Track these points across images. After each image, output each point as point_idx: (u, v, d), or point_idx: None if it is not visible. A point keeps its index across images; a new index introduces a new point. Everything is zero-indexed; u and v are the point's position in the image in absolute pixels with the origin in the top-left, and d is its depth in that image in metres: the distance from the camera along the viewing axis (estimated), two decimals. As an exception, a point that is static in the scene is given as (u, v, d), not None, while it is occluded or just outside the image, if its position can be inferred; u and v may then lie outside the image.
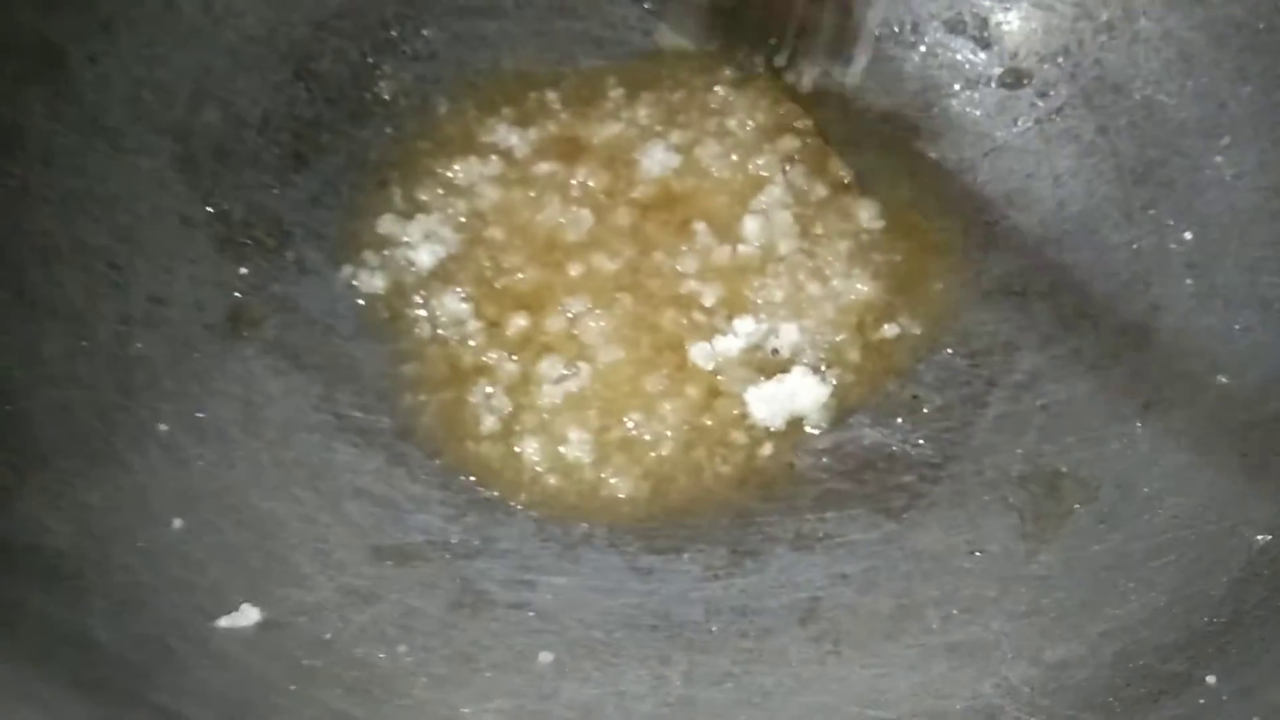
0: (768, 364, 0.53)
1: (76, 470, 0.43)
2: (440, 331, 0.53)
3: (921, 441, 0.52)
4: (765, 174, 0.57)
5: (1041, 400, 0.52)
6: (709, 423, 0.51)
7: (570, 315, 0.53)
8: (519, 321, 0.53)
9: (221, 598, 0.41)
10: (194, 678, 0.37)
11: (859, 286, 0.55)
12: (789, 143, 0.58)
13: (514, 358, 0.52)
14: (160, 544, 0.42)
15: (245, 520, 0.45)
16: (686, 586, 0.48)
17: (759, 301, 0.54)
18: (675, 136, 0.58)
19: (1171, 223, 0.55)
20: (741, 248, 0.55)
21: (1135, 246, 0.55)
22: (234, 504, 0.46)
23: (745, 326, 0.53)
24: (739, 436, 0.51)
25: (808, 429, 0.52)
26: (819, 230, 0.56)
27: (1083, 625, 0.42)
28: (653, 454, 0.51)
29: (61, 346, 0.47)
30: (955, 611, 0.45)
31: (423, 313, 0.54)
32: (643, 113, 0.59)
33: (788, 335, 0.53)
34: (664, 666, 0.44)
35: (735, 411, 0.52)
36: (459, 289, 0.54)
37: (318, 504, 0.47)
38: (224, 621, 0.41)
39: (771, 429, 0.51)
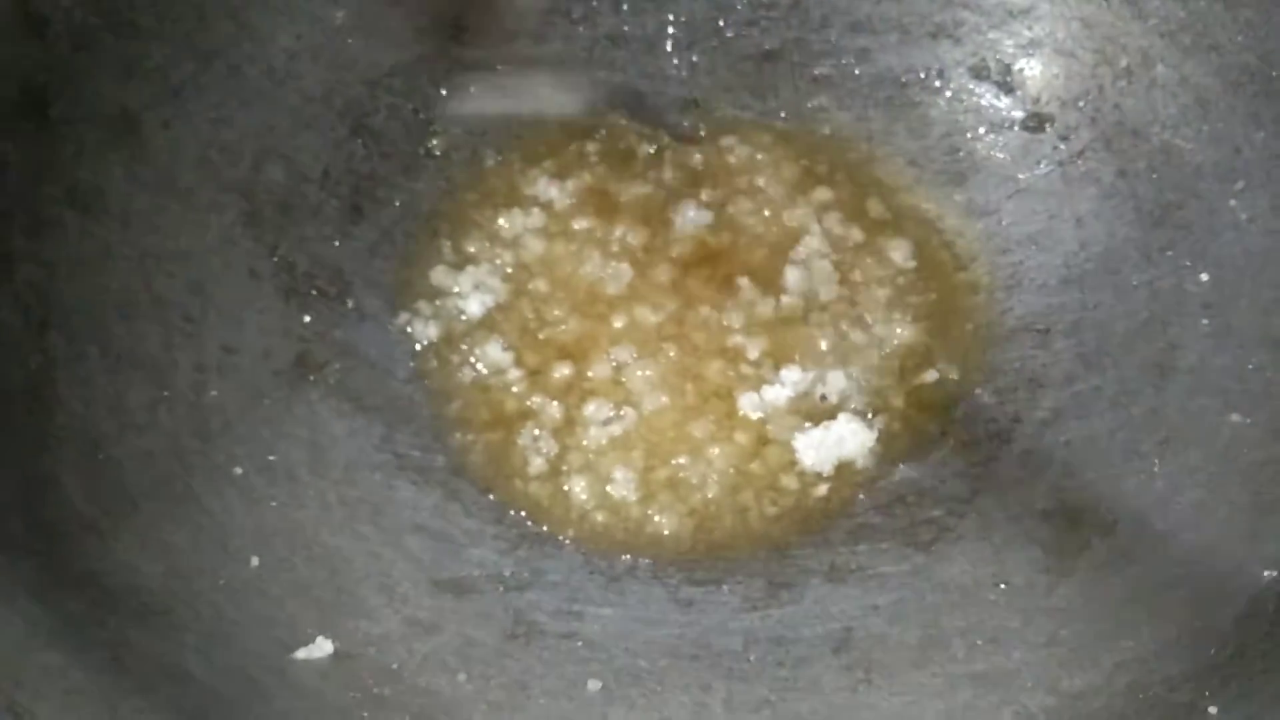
0: (816, 411, 0.55)
1: (162, 513, 0.46)
2: (485, 377, 0.56)
3: (950, 476, 0.54)
4: (798, 225, 0.60)
5: (1064, 437, 0.54)
6: (757, 469, 0.54)
7: (615, 364, 0.56)
8: (562, 369, 0.56)
9: (297, 630, 0.44)
10: (277, 707, 0.40)
11: (899, 330, 0.58)
12: (822, 194, 0.61)
13: (557, 402, 0.55)
14: (240, 580, 0.46)
15: (315, 556, 0.48)
16: (725, 617, 0.50)
17: (804, 351, 0.56)
18: (705, 195, 0.61)
19: (1189, 264, 0.57)
20: (785, 299, 0.58)
21: (1154, 286, 0.57)
22: (305, 541, 0.49)
23: (792, 376, 0.55)
24: (790, 482, 0.54)
25: (856, 471, 0.54)
26: (857, 277, 0.59)
27: (1099, 656, 0.44)
28: (699, 495, 0.53)
29: (144, 396, 0.50)
30: (980, 642, 0.47)
31: (470, 359, 0.57)
32: (669, 174, 0.62)
33: (835, 382, 0.55)
34: (705, 694, 0.46)
35: (785, 458, 0.54)
36: (503, 338, 0.57)
37: (381, 540, 0.50)
38: (300, 654, 0.44)
39: (822, 474, 0.54)
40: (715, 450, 0.54)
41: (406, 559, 0.50)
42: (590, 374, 0.56)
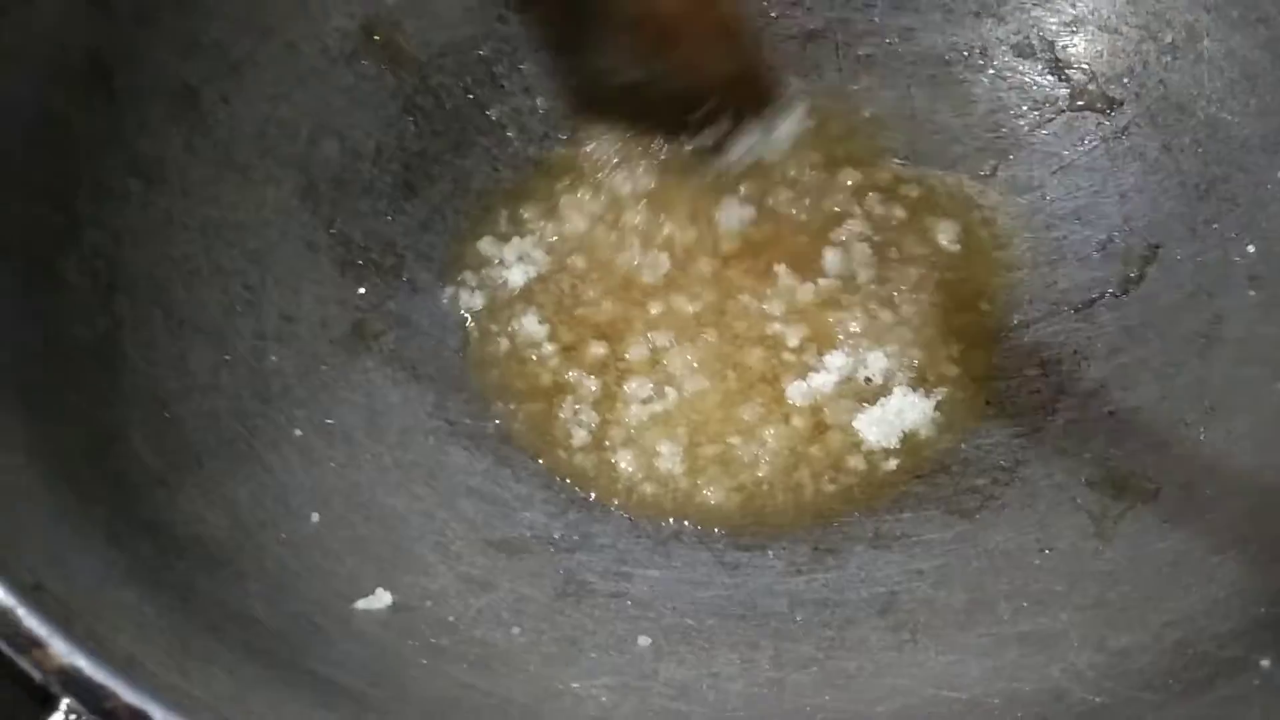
0: (865, 392, 0.56)
1: (226, 470, 0.48)
2: (520, 349, 0.57)
3: (994, 447, 0.55)
4: (841, 210, 0.61)
5: (1109, 407, 0.55)
6: (817, 452, 0.54)
7: (653, 347, 0.56)
8: (597, 350, 0.57)
9: (357, 583, 0.45)
10: (341, 650, 0.42)
11: (928, 307, 0.58)
12: (855, 176, 0.61)
13: (595, 378, 0.56)
14: (301, 535, 0.47)
15: (373, 515, 0.50)
16: (771, 580, 0.51)
17: (843, 334, 0.57)
18: (743, 189, 0.61)
19: (1234, 236, 0.57)
20: (822, 282, 0.58)
21: (1199, 259, 0.57)
22: (363, 501, 0.50)
23: (835, 361, 0.56)
24: (856, 462, 0.54)
25: (922, 441, 0.55)
26: (894, 255, 0.59)
27: (1146, 616, 0.45)
28: (749, 472, 0.54)
29: (206, 359, 0.52)
30: (1025, 604, 0.48)
31: (508, 329, 0.58)
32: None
33: (875, 363, 0.56)
34: (753, 651, 0.47)
35: (849, 440, 0.54)
36: (539, 311, 0.58)
37: (435, 501, 0.52)
38: (361, 604, 0.45)
39: (889, 449, 0.54)
40: (770, 431, 0.55)
41: (459, 520, 0.51)
42: (627, 354, 0.57)
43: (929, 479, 0.54)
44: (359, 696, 0.39)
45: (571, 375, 0.56)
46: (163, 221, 0.54)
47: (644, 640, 0.47)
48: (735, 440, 0.54)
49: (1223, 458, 0.51)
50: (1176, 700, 0.40)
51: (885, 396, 0.55)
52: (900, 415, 0.55)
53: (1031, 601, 0.48)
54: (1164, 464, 0.52)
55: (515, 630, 0.46)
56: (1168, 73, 0.61)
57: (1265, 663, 0.39)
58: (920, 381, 0.56)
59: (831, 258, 0.59)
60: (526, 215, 0.61)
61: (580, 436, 0.55)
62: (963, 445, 0.55)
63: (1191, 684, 0.40)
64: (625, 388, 0.56)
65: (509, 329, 0.58)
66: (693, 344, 0.56)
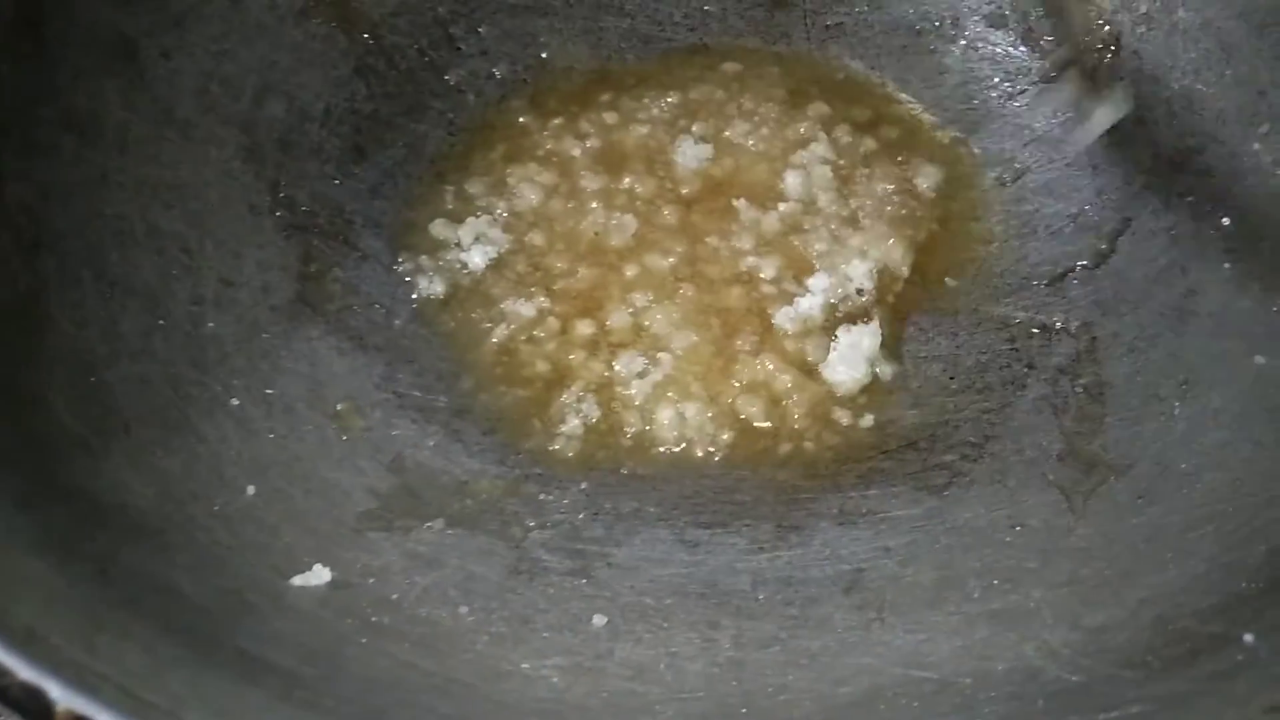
0: (854, 311, 0.55)
1: (156, 439, 0.45)
2: (507, 331, 0.55)
3: (962, 422, 0.53)
4: (805, 133, 0.59)
5: (1081, 382, 0.54)
6: (794, 406, 0.53)
7: (632, 310, 0.54)
8: (584, 328, 0.54)
9: (294, 558, 0.43)
10: (272, 628, 0.39)
11: (890, 242, 0.57)
12: (819, 108, 0.60)
13: (590, 358, 0.54)
14: (235, 508, 0.45)
15: (313, 489, 0.47)
16: (733, 558, 0.49)
17: (818, 254, 0.56)
18: (698, 128, 0.60)
19: (1209, 208, 0.56)
20: (784, 207, 0.57)
21: (1173, 232, 0.56)
22: (303, 473, 0.48)
23: (819, 283, 0.55)
24: (841, 416, 0.53)
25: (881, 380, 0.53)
26: (859, 182, 0.58)
27: (1122, 593, 0.43)
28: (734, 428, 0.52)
29: (139, 324, 0.49)
30: (996, 582, 0.46)
31: (484, 312, 0.55)
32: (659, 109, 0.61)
33: (859, 273, 0.55)
34: (713, 631, 0.45)
35: (822, 389, 0.53)
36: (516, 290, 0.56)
37: (380, 475, 0.49)
38: (297, 580, 0.43)
39: (857, 392, 0.53)
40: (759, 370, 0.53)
41: (407, 495, 0.49)
42: (611, 325, 0.55)
43: (896, 454, 0.52)
44: (288, 674, 0.37)
45: (573, 357, 0.54)
46: (96, 179, 0.52)
47: (599, 619, 0.45)
48: (730, 394, 0.53)
49: (1198, 432, 0.49)
50: (1157, 677, 0.38)
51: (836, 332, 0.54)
52: (856, 346, 0.53)
53: (1002, 579, 0.46)
54: (1138, 439, 0.51)
55: (463, 609, 0.44)
56: (1142, 43, 0.60)
57: (1249, 638, 0.38)
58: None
59: (792, 180, 0.58)
60: (482, 185, 0.59)
61: (574, 424, 0.52)
62: (930, 420, 0.53)
63: (1172, 660, 0.39)
64: (617, 366, 0.53)
65: (488, 310, 0.55)
66: (672, 301, 0.55)
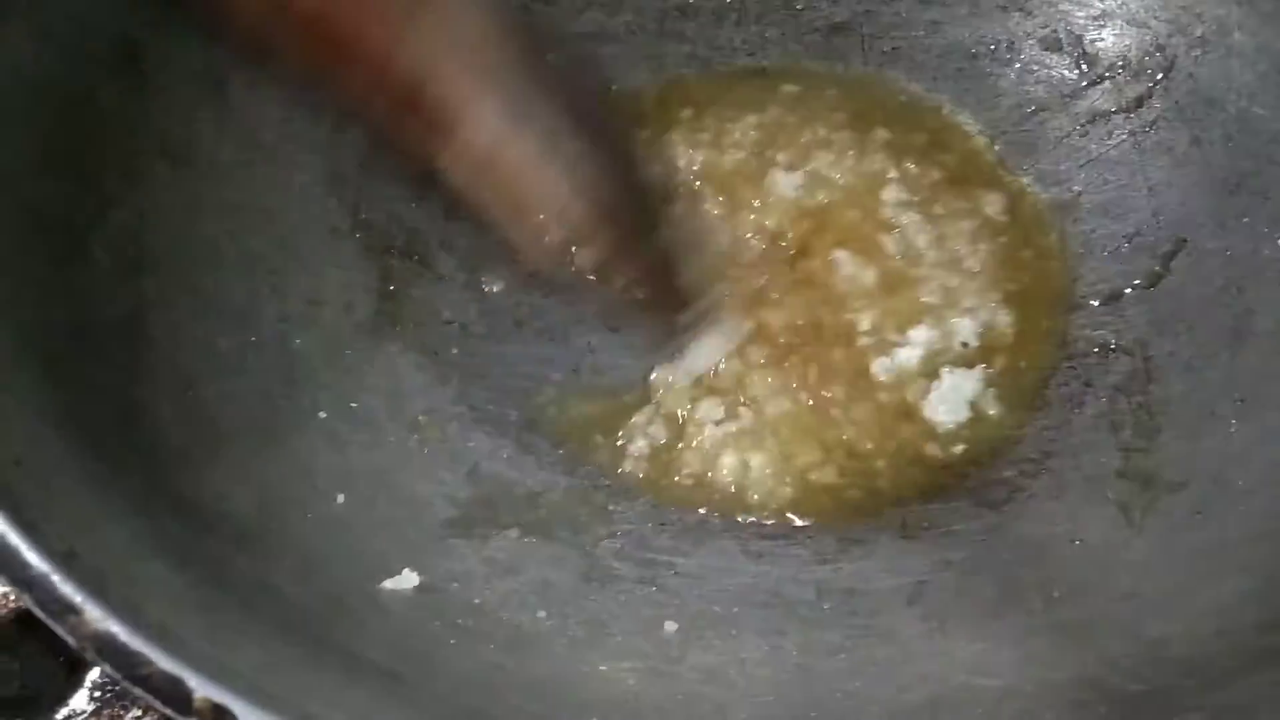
0: (960, 359, 0.56)
1: (251, 450, 0.48)
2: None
3: (1021, 439, 0.54)
4: (879, 167, 0.60)
5: (1138, 399, 0.54)
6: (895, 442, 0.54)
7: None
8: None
9: (384, 563, 0.45)
10: (370, 629, 0.41)
11: (988, 264, 0.58)
12: (883, 134, 0.62)
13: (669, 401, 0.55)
14: (328, 515, 0.47)
15: (397, 497, 0.49)
16: (796, 569, 0.51)
17: (921, 305, 0.57)
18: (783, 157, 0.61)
19: (1266, 230, 0.56)
20: (889, 262, 0.58)
21: (1229, 253, 0.57)
22: (388, 483, 0.50)
23: (920, 335, 0.56)
24: (933, 449, 0.54)
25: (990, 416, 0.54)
26: (942, 220, 0.59)
27: (1181, 606, 0.44)
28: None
29: (232, 341, 0.51)
30: (1056, 594, 0.47)
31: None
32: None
33: (964, 328, 0.56)
34: (780, 638, 0.47)
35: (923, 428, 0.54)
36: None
37: (458, 485, 0.51)
38: (388, 584, 0.45)
39: (959, 427, 0.54)
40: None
41: (483, 504, 0.51)
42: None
43: (957, 469, 0.54)
44: (388, 673, 0.39)
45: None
46: (190, 203, 0.54)
47: (670, 625, 0.47)
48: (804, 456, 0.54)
49: (1254, 449, 0.50)
50: (1217, 687, 0.39)
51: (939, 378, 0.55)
52: (958, 390, 0.54)
53: (1062, 592, 0.47)
54: (1194, 456, 0.51)
55: (541, 614, 0.46)
56: (1197, 67, 0.61)
57: (1307, 649, 0.38)
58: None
59: (887, 240, 0.59)
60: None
61: (640, 445, 0.54)
62: (990, 435, 0.54)
63: (1231, 671, 0.40)
64: (699, 410, 0.55)
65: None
66: (779, 367, 0.55)
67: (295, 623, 0.39)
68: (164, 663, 0.31)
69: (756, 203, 0.60)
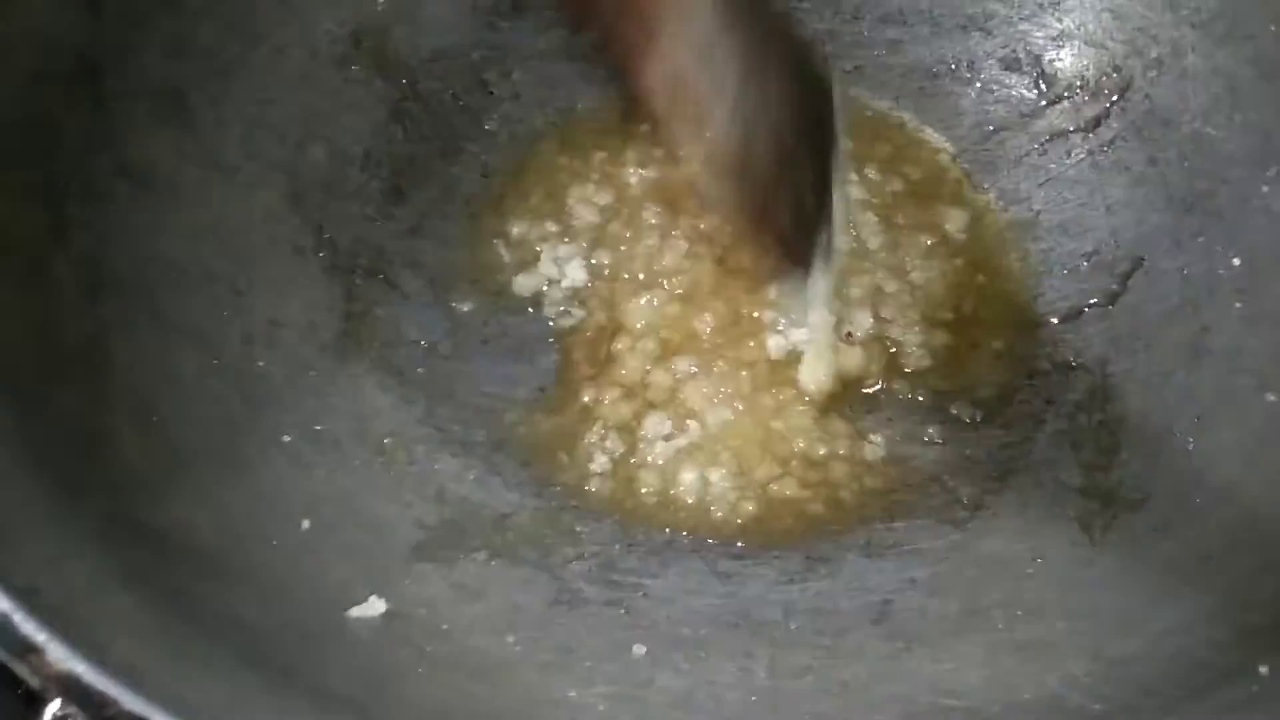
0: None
1: (215, 475, 0.47)
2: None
3: (983, 457, 0.55)
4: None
5: (1097, 417, 0.55)
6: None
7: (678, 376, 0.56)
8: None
9: (350, 590, 0.45)
10: (337, 658, 0.41)
11: (932, 286, 0.58)
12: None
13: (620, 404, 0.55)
14: (293, 542, 0.46)
15: (363, 522, 0.49)
16: (764, 589, 0.51)
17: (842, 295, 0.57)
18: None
19: (1220, 249, 0.57)
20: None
21: (1185, 272, 0.57)
22: (353, 507, 0.49)
23: (819, 319, 0.56)
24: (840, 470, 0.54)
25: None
26: (901, 229, 0.60)
27: (1141, 624, 0.45)
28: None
29: (194, 364, 0.51)
30: (1020, 613, 0.48)
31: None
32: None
33: (861, 321, 0.56)
34: (748, 660, 0.47)
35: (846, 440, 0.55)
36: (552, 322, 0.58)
37: (425, 508, 0.51)
38: (355, 611, 0.45)
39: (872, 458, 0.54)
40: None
41: (450, 527, 0.51)
42: (649, 381, 0.56)
43: (920, 488, 0.54)
44: (357, 705, 0.39)
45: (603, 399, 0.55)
46: (151, 224, 0.53)
47: (639, 649, 0.47)
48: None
49: (1211, 467, 0.51)
50: (1177, 706, 0.40)
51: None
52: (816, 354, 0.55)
53: (1025, 610, 0.48)
54: (1153, 473, 0.52)
55: (510, 639, 0.46)
56: (1153, 87, 0.62)
57: (1264, 669, 0.39)
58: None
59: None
60: (520, 224, 0.61)
61: (602, 461, 0.54)
62: (950, 456, 0.55)
63: (1192, 690, 0.40)
64: (646, 424, 0.55)
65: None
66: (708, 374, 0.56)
67: (261, 654, 0.38)
68: (130, 702, 0.31)
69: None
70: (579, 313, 0.58)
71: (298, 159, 0.59)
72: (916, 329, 0.57)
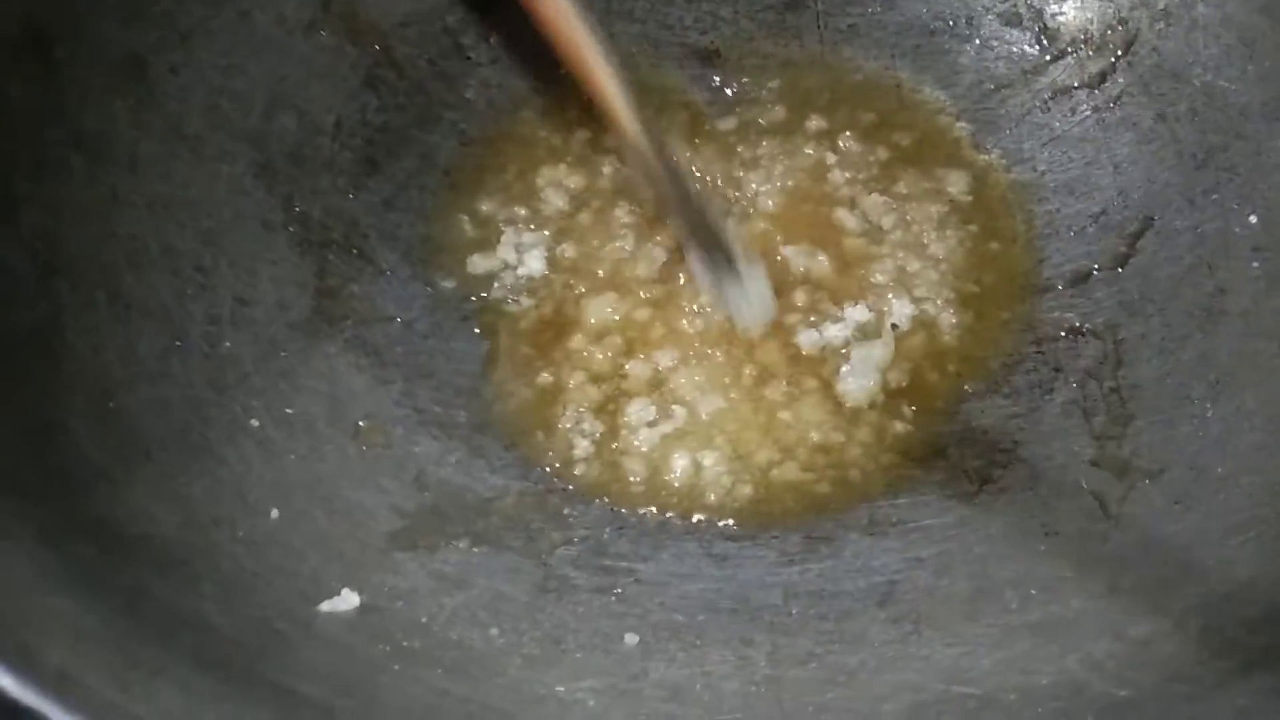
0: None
1: (178, 464, 0.45)
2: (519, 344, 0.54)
3: (990, 427, 0.52)
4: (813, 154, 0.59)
5: (1109, 385, 0.53)
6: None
7: (661, 366, 0.53)
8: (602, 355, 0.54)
9: (322, 583, 0.43)
10: (303, 658, 0.39)
11: (954, 254, 0.56)
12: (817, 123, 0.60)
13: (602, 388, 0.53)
14: (260, 533, 0.44)
15: (337, 510, 0.47)
16: (763, 572, 0.48)
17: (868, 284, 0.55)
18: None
19: (1235, 206, 0.55)
20: (848, 242, 0.56)
21: (1199, 231, 0.55)
22: (326, 494, 0.47)
23: (856, 314, 0.54)
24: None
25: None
26: (906, 200, 0.58)
27: (1165, 602, 0.43)
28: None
29: (156, 346, 0.49)
30: (1034, 592, 0.45)
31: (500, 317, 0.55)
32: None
33: (900, 310, 0.54)
34: (747, 648, 0.45)
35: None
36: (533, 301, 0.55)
37: (403, 494, 0.49)
38: (326, 606, 0.42)
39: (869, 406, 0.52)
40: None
41: (431, 513, 0.48)
42: (629, 370, 0.53)
43: (925, 462, 0.52)
44: (324, 708, 0.36)
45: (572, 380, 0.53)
46: (108, 199, 0.51)
47: (631, 638, 0.45)
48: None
49: (1232, 434, 0.49)
50: (1210, 692, 0.37)
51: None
52: (865, 360, 0.53)
53: (1040, 588, 0.45)
54: (1170, 443, 0.50)
55: (493, 631, 0.43)
56: (1161, 40, 0.59)
57: (1303, 649, 0.37)
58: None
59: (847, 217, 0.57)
60: (498, 197, 0.58)
61: (583, 447, 0.51)
62: (956, 428, 0.52)
63: (1225, 674, 0.38)
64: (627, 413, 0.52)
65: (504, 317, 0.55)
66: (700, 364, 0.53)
67: (221, 657, 0.36)
68: (58, 718, 0.28)
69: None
70: (527, 302, 0.55)
71: (265, 129, 0.56)
72: (951, 309, 0.55)
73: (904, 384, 0.53)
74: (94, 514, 0.39)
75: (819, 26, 0.64)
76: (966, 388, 0.54)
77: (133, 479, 0.42)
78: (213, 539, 0.42)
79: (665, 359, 0.53)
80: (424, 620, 0.43)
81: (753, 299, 0.54)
